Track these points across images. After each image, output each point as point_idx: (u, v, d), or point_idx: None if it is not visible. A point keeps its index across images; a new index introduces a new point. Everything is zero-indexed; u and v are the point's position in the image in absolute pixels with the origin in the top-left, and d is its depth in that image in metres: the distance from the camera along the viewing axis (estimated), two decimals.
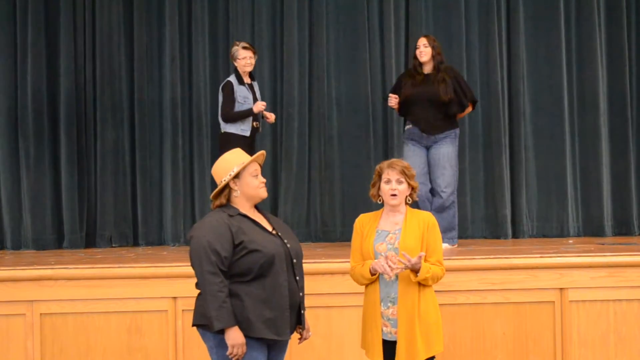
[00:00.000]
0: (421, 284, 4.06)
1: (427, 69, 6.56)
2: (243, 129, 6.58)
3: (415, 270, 4.00)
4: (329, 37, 7.90)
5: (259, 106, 6.55)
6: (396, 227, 4.14)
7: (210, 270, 3.66)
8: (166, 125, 7.78)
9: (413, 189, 4.18)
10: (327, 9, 7.89)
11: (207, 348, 3.86)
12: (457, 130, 6.61)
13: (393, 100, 6.52)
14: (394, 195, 4.12)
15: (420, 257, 3.96)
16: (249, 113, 6.55)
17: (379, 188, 4.18)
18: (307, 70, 7.89)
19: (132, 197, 7.78)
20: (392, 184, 4.13)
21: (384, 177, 4.15)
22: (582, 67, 7.89)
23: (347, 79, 7.90)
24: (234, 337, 3.68)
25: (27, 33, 7.66)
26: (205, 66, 7.86)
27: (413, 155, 6.48)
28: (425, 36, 6.66)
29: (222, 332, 3.70)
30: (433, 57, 6.51)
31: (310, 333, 4.05)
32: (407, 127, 6.64)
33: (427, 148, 6.55)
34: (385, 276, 4.00)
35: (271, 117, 6.73)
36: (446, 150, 6.51)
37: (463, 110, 6.63)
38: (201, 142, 7.78)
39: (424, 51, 6.51)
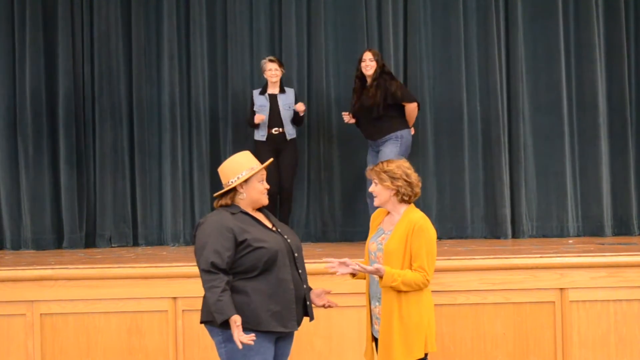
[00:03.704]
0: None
1: (369, 81, 6.94)
2: (262, 134, 7.11)
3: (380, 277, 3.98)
4: (327, 36, 7.89)
5: (257, 118, 7.06)
6: (391, 227, 4.14)
7: (205, 269, 3.76)
8: (165, 125, 7.76)
9: (401, 188, 4.10)
10: (325, 8, 7.87)
11: (215, 344, 3.90)
12: (401, 133, 6.84)
13: (346, 117, 7.07)
14: (374, 196, 4.16)
15: (376, 268, 3.94)
16: (250, 122, 7.15)
17: None
18: (305, 69, 7.87)
19: (132, 197, 7.76)
20: (371, 186, 4.17)
21: None
22: (581, 67, 7.88)
23: (346, 78, 7.87)
24: (237, 331, 3.69)
25: (25, 33, 7.63)
26: (204, 65, 7.84)
27: (370, 160, 6.94)
28: (370, 50, 7.07)
29: (228, 326, 3.73)
30: (375, 70, 6.89)
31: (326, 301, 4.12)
32: None
33: (377, 152, 6.90)
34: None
35: (299, 107, 7.14)
36: (386, 151, 6.76)
37: (401, 112, 6.90)
38: (200, 142, 7.77)
39: (370, 65, 6.92)
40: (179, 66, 7.81)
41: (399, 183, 4.09)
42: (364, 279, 4.24)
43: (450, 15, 7.86)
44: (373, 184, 4.15)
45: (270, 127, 7.08)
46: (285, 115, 7.12)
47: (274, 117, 7.08)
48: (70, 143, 7.62)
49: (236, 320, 3.66)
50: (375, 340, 4.17)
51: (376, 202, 4.18)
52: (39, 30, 7.65)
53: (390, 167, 4.11)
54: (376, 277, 4.04)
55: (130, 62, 7.80)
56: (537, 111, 7.86)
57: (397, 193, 4.10)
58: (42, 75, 7.66)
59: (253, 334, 3.68)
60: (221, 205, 3.98)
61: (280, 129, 7.09)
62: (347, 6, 7.90)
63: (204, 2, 7.84)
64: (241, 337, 3.65)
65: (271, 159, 4.14)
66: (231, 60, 7.83)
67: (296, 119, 7.19)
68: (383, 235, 4.14)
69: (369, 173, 4.19)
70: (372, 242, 4.16)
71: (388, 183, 4.08)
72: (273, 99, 7.13)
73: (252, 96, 7.25)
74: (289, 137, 7.12)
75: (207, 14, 7.86)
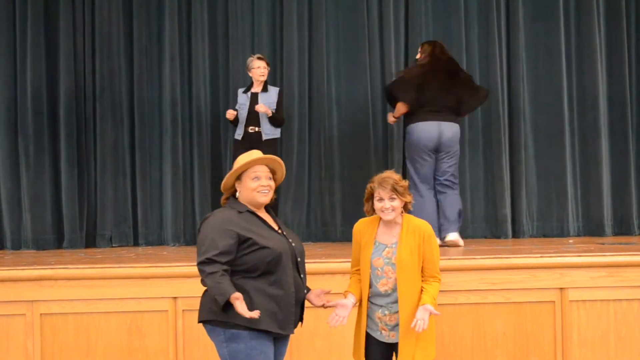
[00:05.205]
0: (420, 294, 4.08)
1: None
2: (238, 133, 7.00)
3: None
4: (328, 36, 7.91)
5: (228, 114, 7.02)
6: (393, 240, 4.11)
7: (202, 261, 3.74)
8: (166, 125, 7.77)
9: (407, 202, 4.11)
10: (326, 8, 7.89)
11: (215, 344, 3.88)
12: None
13: None
14: (388, 212, 4.08)
15: (426, 310, 3.95)
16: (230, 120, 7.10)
17: (372, 204, 4.14)
18: (306, 69, 7.89)
19: (132, 196, 7.78)
20: (385, 202, 4.06)
21: (376, 195, 4.09)
22: (581, 67, 7.90)
23: (347, 78, 7.90)
24: (239, 304, 3.67)
25: (27, 33, 7.65)
26: (205, 66, 7.86)
27: None
28: None
29: (231, 326, 3.75)
30: None
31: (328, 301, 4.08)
32: None
33: None
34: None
35: (259, 108, 6.94)
36: None
37: None
38: (201, 142, 7.78)
39: None
40: (180, 66, 7.83)
41: (406, 197, 4.11)
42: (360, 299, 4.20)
43: (452, 15, 7.89)
44: (389, 200, 4.05)
45: (247, 125, 6.97)
46: (263, 114, 6.96)
47: (252, 116, 6.97)
48: (71, 143, 7.64)
49: (237, 297, 3.63)
50: (381, 343, 4.17)
51: (390, 217, 4.08)
52: (40, 30, 7.67)
53: (397, 179, 4.10)
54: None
55: (131, 62, 7.82)
56: (537, 112, 7.87)
57: (407, 204, 4.11)
58: (43, 74, 7.67)
59: (258, 310, 3.65)
60: (227, 203, 3.98)
61: (257, 128, 6.97)
62: (348, 6, 7.92)
63: (205, 2, 7.86)
64: (246, 311, 3.61)
65: (260, 154, 4.03)
66: (232, 61, 7.85)
67: (271, 119, 6.98)
68: (387, 249, 4.10)
69: (387, 191, 4.05)
70: (378, 258, 4.10)
71: (407, 197, 4.09)
72: (254, 97, 7.04)
73: (237, 94, 7.19)
74: (264, 137, 6.94)
75: (209, 14, 7.88)
